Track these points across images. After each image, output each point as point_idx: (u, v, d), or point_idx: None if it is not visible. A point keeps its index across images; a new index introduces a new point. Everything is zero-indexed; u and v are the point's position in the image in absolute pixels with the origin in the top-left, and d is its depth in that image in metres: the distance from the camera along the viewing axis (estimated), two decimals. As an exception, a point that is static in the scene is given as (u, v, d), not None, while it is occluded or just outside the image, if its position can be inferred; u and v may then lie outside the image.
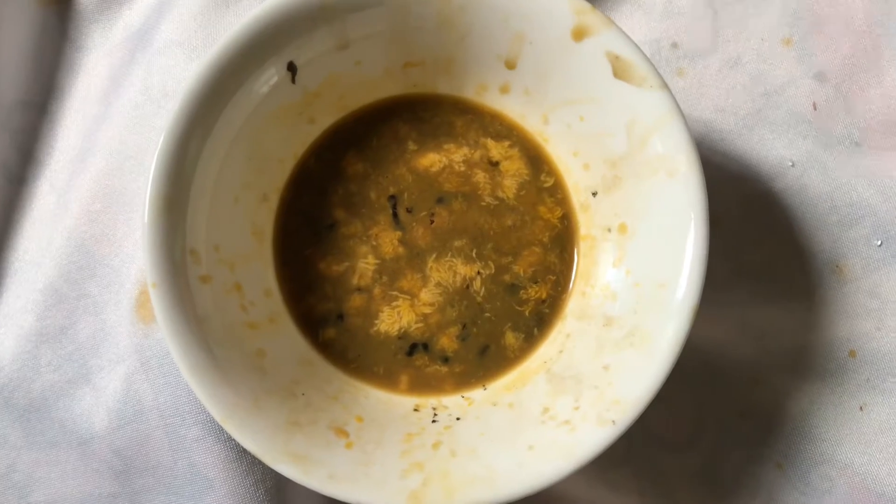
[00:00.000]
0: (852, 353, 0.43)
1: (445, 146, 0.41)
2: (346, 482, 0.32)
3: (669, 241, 0.34)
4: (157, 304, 0.33)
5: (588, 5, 0.35)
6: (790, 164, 0.45)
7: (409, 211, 0.41)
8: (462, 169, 0.41)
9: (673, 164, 0.34)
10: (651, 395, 0.32)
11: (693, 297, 0.33)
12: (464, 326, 0.40)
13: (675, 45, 0.47)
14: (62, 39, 0.48)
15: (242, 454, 0.40)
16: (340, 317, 0.40)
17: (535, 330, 0.40)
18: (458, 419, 0.37)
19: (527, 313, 0.40)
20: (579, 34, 0.35)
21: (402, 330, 0.40)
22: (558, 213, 0.41)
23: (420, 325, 0.40)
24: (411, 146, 0.41)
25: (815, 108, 0.46)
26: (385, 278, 0.40)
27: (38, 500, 0.42)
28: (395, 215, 0.41)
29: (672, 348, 0.33)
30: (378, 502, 0.32)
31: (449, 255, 0.40)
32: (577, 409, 0.34)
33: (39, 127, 0.47)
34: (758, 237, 0.45)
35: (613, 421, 0.32)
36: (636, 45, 0.35)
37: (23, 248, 0.46)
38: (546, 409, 0.35)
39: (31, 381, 0.43)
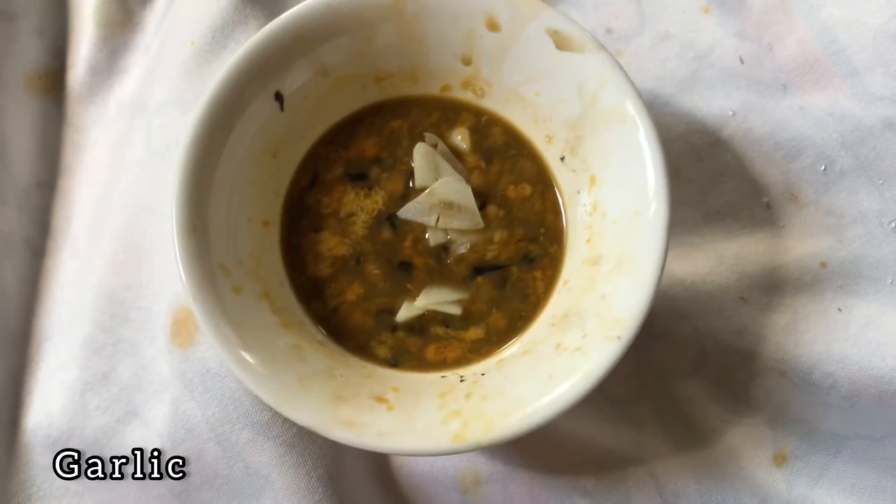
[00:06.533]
0: (823, 265, 0.47)
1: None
2: (395, 437, 0.35)
3: (634, 175, 0.38)
4: (199, 313, 0.36)
5: None
6: (731, 113, 0.50)
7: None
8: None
9: (623, 111, 0.39)
10: (648, 307, 0.36)
11: (664, 209, 0.36)
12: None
13: (609, 31, 0.52)
14: (62, 123, 0.52)
15: (292, 447, 0.43)
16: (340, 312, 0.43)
17: (541, 290, 0.44)
18: (482, 374, 0.40)
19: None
20: (520, 21, 0.40)
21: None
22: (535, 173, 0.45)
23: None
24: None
25: (742, 62, 0.51)
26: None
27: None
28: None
29: (657, 261, 0.36)
30: (426, 448, 0.35)
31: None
32: (584, 336, 0.37)
33: (53, 203, 0.51)
34: (716, 181, 0.49)
35: (619, 336, 0.36)
36: (570, 18, 0.40)
37: (56, 312, 0.48)
38: (558, 345, 0.39)
39: (83, 428, 0.45)
